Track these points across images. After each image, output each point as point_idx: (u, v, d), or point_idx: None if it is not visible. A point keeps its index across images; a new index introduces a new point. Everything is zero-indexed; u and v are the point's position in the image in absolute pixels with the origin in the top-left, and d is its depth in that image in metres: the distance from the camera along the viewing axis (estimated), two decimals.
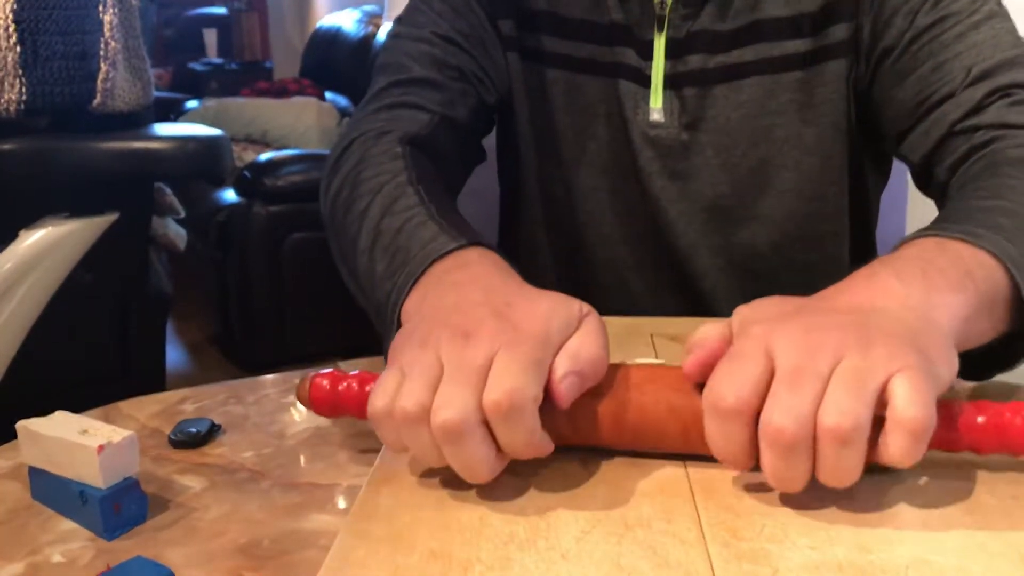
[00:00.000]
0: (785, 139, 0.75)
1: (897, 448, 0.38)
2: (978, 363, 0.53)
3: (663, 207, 0.78)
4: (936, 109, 0.68)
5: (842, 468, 0.39)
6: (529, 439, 0.42)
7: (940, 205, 0.70)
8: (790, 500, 0.42)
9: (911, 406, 0.38)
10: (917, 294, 0.45)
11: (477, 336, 0.44)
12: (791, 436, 0.38)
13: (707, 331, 0.45)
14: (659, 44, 0.74)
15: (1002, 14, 0.69)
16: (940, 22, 0.68)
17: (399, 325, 0.53)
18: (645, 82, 0.75)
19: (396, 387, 0.43)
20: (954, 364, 0.43)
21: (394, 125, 0.73)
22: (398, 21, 0.81)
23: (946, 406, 0.42)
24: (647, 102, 0.75)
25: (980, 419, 0.42)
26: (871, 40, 0.71)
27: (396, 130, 0.72)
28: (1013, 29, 0.69)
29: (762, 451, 0.40)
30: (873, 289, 0.46)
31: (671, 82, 0.74)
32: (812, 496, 0.42)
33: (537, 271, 0.85)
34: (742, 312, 0.46)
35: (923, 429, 0.38)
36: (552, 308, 0.46)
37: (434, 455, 0.43)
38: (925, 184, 0.72)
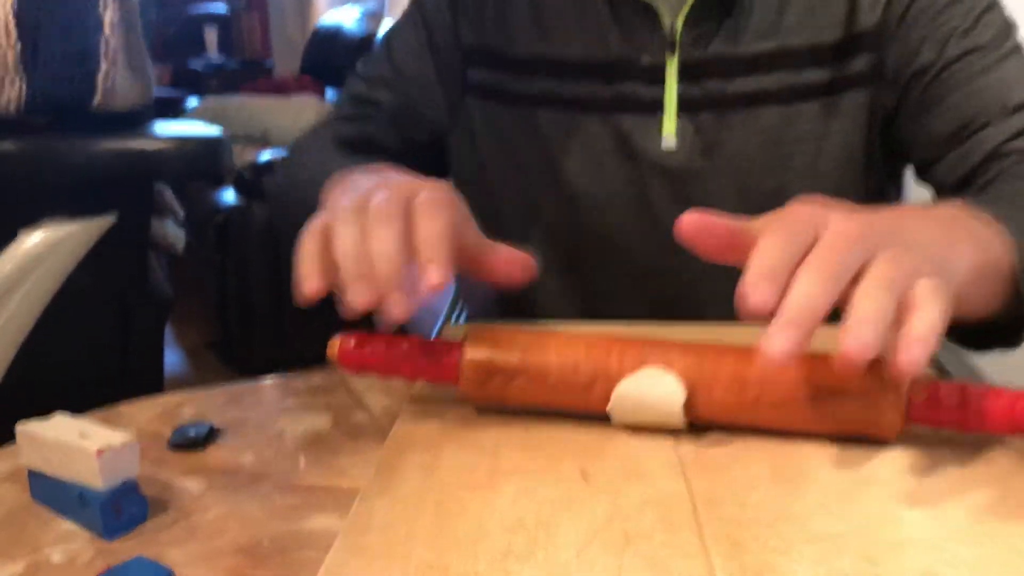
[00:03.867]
0: (802, 167, 0.74)
1: (919, 327, 0.40)
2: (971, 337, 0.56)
3: (675, 234, 0.77)
4: (974, 136, 0.69)
5: (873, 312, 0.40)
6: (447, 229, 0.48)
7: None
8: (794, 511, 0.42)
9: (929, 302, 0.41)
10: (949, 226, 0.50)
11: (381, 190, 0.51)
12: (851, 240, 0.43)
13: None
14: (671, 68, 0.73)
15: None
16: (969, 54, 0.69)
17: None
18: (655, 109, 0.74)
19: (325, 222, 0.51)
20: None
21: (325, 135, 0.84)
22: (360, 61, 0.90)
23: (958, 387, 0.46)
24: (659, 129, 0.74)
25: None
26: (898, 66, 0.71)
27: (327, 136, 0.83)
28: None
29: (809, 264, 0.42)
30: (906, 209, 0.51)
31: (685, 106, 0.73)
32: (817, 506, 0.42)
33: (542, 300, 0.83)
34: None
35: (941, 316, 0.41)
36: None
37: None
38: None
